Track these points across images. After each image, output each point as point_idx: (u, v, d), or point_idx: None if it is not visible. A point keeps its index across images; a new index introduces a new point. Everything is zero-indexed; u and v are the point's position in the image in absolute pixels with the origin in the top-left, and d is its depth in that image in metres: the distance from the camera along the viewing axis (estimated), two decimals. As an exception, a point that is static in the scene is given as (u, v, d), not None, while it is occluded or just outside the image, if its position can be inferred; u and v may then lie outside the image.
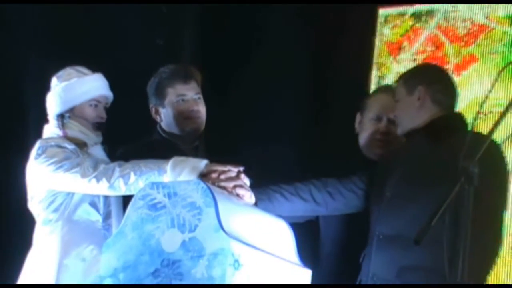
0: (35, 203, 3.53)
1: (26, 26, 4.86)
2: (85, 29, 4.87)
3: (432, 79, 3.45)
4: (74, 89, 3.56)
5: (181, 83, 3.68)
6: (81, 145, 3.53)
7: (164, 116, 3.71)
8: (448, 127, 3.34)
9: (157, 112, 3.72)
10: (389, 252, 3.28)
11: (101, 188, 3.29)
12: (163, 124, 3.72)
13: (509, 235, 4.24)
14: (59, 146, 3.44)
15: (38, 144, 3.49)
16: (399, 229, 3.23)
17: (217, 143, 3.76)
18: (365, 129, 3.70)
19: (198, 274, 2.81)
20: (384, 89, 3.89)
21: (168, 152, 3.33)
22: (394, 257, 3.26)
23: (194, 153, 3.59)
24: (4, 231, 4.64)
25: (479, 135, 3.01)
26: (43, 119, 3.66)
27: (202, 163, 3.17)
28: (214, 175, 3.14)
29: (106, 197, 3.49)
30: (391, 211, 3.32)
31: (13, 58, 4.88)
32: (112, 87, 3.67)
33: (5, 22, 4.80)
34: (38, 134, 3.63)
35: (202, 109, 3.70)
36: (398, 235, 3.23)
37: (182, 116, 3.67)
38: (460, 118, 3.45)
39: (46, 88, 3.65)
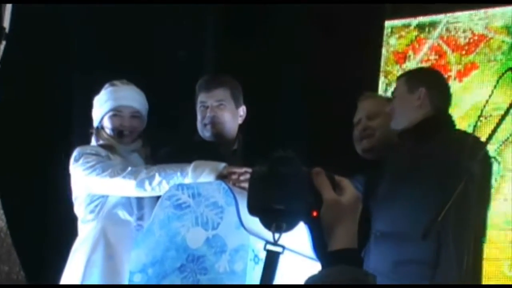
0: (77, 205, 3.65)
1: (71, 43, 4.98)
2: (115, 44, 4.95)
3: (433, 84, 3.59)
4: (98, 103, 3.73)
5: (203, 91, 3.73)
6: (112, 149, 3.65)
7: (197, 122, 3.77)
8: (437, 127, 3.47)
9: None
10: (385, 248, 3.38)
11: (128, 188, 3.41)
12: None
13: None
14: (94, 153, 3.58)
15: (75, 151, 3.63)
16: (394, 226, 3.34)
17: (254, 149, 3.76)
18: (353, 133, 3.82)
19: (221, 269, 2.92)
20: (362, 97, 3.92)
21: (207, 154, 3.42)
22: (389, 252, 3.36)
23: (232, 157, 3.65)
24: (57, 231, 4.57)
25: (476, 139, 3.10)
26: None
27: (221, 165, 3.29)
28: (234, 177, 3.26)
29: (139, 200, 3.58)
30: (385, 209, 3.42)
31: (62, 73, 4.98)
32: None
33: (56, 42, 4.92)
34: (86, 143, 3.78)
35: (222, 115, 3.70)
36: (392, 231, 3.34)
37: (202, 123, 3.73)
38: (448, 118, 3.57)
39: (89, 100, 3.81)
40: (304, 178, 1.66)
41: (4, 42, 2.84)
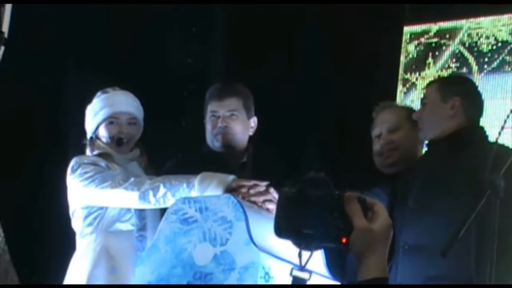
0: (75, 220, 3.54)
1: (65, 48, 4.92)
2: (119, 49, 4.89)
3: (468, 93, 3.48)
4: (92, 112, 3.61)
5: (215, 100, 3.64)
6: (109, 158, 3.54)
7: (206, 132, 3.69)
8: (471, 138, 3.36)
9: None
10: (415, 262, 3.27)
11: (130, 199, 3.28)
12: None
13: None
14: (92, 163, 3.47)
15: (73, 161, 3.52)
16: (423, 238, 3.22)
17: (264, 162, 3.70)
18: (373, 147, 3.71)
19: (230, 287, 2.80)
20: (379, 108, 3.82)
21: (214, 166, 3.30)
22: (420, 266, 3.25)
23: (241, 170, 3.56)
24: (53, 245, 4.57)
25: (503, 148, 3.01)
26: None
27: (229, 177, 3.16)
28: (244, 190, 3.13)
29: (140, 211, 3.47)
30: (414, 220, 3.30)
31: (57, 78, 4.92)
32: (145, 104, 3.67)
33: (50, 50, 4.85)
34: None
35: (234, 125, 3.62)
36: (422, 244, 3.22)
37: (212, 133, 3.64)
38: (482, 131, 3.47)
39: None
40: (335, 202, 1.64)
41: (3, 48, 2.77)
